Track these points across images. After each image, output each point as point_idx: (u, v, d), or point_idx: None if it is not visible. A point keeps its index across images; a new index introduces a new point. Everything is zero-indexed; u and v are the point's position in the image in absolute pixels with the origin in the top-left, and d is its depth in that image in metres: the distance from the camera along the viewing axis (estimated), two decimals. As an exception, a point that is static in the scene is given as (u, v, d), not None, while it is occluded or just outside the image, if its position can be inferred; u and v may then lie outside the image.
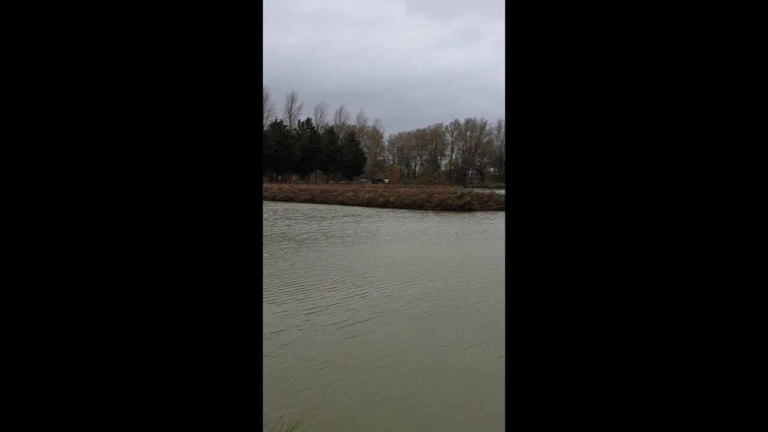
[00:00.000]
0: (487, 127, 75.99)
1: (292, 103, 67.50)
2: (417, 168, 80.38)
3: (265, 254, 8.44)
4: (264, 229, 13.34)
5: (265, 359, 3.91)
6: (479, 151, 76.18)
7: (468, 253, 10.16)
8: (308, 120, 65.46)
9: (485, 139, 76.30)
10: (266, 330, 4.70)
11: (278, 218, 18.41)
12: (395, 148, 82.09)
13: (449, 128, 78.84)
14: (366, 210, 24.05)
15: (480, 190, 27.87)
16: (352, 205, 27.28)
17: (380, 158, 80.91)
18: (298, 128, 64.39)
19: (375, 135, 79.88)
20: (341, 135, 67.88)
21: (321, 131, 65.26)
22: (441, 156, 79.55)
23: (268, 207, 24.41)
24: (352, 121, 76.25)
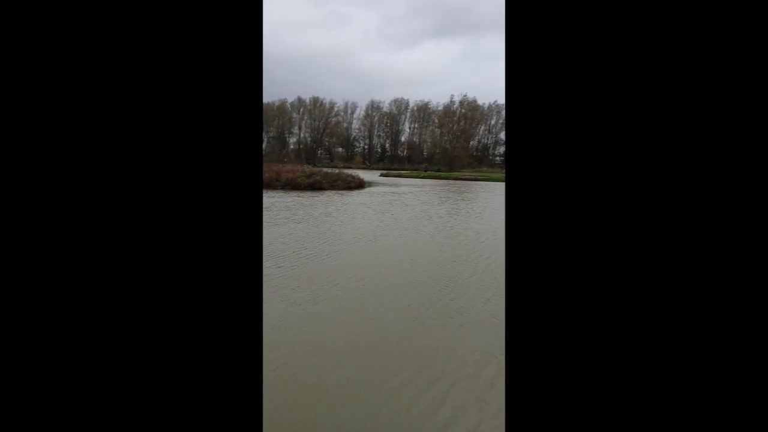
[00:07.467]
0: (335, 108, 76.24)
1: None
2: (264, 145, 78.26)
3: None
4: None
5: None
6: (328, 131, 76.36)
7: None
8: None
9: (333, 120, 76.42)
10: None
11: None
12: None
13: (294, 105, 77.22)
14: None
15: (329, 170, 27.42)
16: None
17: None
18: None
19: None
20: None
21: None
22: (289, 134, 78.02)
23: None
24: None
